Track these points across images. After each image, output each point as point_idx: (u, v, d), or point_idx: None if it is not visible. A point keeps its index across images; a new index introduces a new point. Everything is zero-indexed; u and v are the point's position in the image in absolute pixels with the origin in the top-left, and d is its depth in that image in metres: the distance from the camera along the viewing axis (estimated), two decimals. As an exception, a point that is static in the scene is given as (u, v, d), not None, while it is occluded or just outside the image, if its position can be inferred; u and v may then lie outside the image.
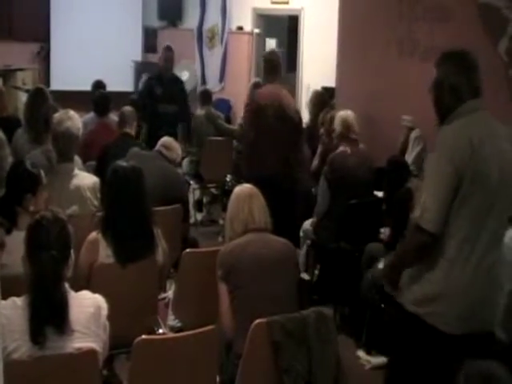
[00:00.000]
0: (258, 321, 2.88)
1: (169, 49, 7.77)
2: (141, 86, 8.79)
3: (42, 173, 3.77)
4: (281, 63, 5.66)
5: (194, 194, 7.47)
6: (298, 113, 5.52)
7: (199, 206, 7.82)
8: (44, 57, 10.63)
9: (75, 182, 4.27)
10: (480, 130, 2.83)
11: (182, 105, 7.67)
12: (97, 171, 5.05)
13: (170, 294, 4.54)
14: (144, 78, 9.16)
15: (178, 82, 7.91)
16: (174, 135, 6.41)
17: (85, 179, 4.34)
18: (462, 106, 2.86)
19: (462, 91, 2.87)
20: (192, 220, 6.65)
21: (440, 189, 2.76)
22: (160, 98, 7.50)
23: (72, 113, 4.42)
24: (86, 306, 2.69)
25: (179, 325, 3.87)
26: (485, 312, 2.89)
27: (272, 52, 6.27)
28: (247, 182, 4.25)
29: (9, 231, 3.49)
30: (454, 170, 2.74)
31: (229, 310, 3.23)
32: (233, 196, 3.52)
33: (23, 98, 8.29)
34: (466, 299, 2.82)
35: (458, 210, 2.78)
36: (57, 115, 4.40)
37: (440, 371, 2.81)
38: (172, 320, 3.99)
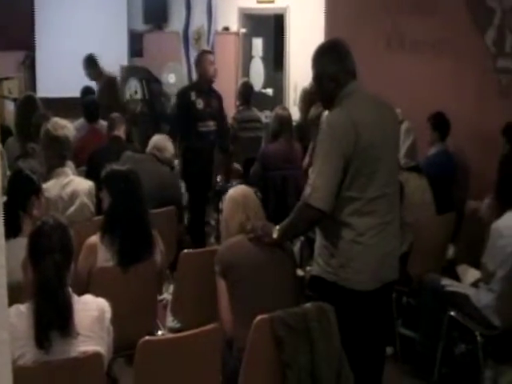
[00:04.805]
0: (259, 317, 2.89)
1: (209, 52, 6.65)
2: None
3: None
4: None
5: (185, 195, 7.45)
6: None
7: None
8: (29, 65, 10.59)
9: (71, 187, 4.26)
10: (361, 108, 3.12)
11: (222, 121, 6.50)
12: (88, 175, 5.05)
13: (166, 295, 4.55)
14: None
15: (216, 93, 6.48)
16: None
17: (80, 184, 4.33)
18: (343, 90, 3.15)
19: (341, 77, 3.16)
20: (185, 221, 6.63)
21: (329, 170, 3.01)
22: (200, 113, 6.18)
23: (64, 122, 4.42)
24: (90, 310, 2.70)
25: (178, 326, 3.88)
26: (388, 265, 3.19)
27: None
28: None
29: (15, 235, 3.44)
30: (340, 152, 2.99)
31: (228, 306, 3.26)
32: (227, 198, 3.53)
33: (10, 106, 8.29)
34: (372, 260, 3.11)
35: (350, 185, 3.04)
36: (50, 122, 4.40)
37: (370, 325, 3.17)
38: (171, 321, 4.00)
